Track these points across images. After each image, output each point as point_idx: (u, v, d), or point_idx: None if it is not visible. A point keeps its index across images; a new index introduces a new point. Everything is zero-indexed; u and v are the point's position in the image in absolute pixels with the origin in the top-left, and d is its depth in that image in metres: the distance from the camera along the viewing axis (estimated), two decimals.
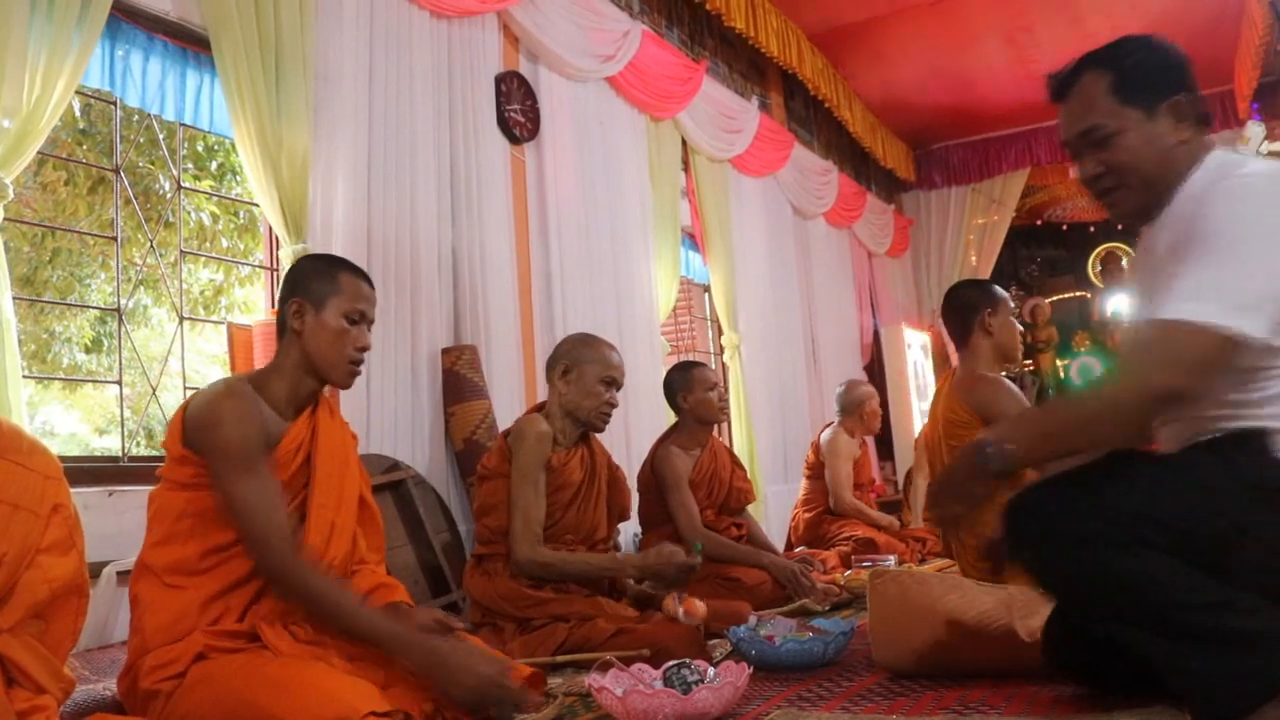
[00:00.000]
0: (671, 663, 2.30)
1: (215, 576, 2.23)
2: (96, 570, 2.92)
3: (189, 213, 6.18)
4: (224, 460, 2.19)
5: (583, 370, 3.32)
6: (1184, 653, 1.70)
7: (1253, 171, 1.86)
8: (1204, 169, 1.95)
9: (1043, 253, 12.69)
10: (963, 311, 3.45)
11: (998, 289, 3.52)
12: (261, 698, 2.01)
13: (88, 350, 9.18)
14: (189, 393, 3.57)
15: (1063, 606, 1.87)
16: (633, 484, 4.41)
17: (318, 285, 2.39)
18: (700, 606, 3.03)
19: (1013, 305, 3.52)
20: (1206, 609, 1.70)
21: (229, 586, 2.24)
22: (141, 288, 8.12)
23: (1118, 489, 1.79)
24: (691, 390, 4.41)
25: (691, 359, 5.77)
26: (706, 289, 7.29)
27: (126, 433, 4.05)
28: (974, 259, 11.06)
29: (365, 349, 2.43)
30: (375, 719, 1.95)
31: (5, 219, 2.88)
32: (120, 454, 3.58)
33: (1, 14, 2.84)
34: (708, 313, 7.57)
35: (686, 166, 6.67)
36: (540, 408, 3.43)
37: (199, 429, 2.22)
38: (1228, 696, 1.67)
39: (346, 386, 2.46)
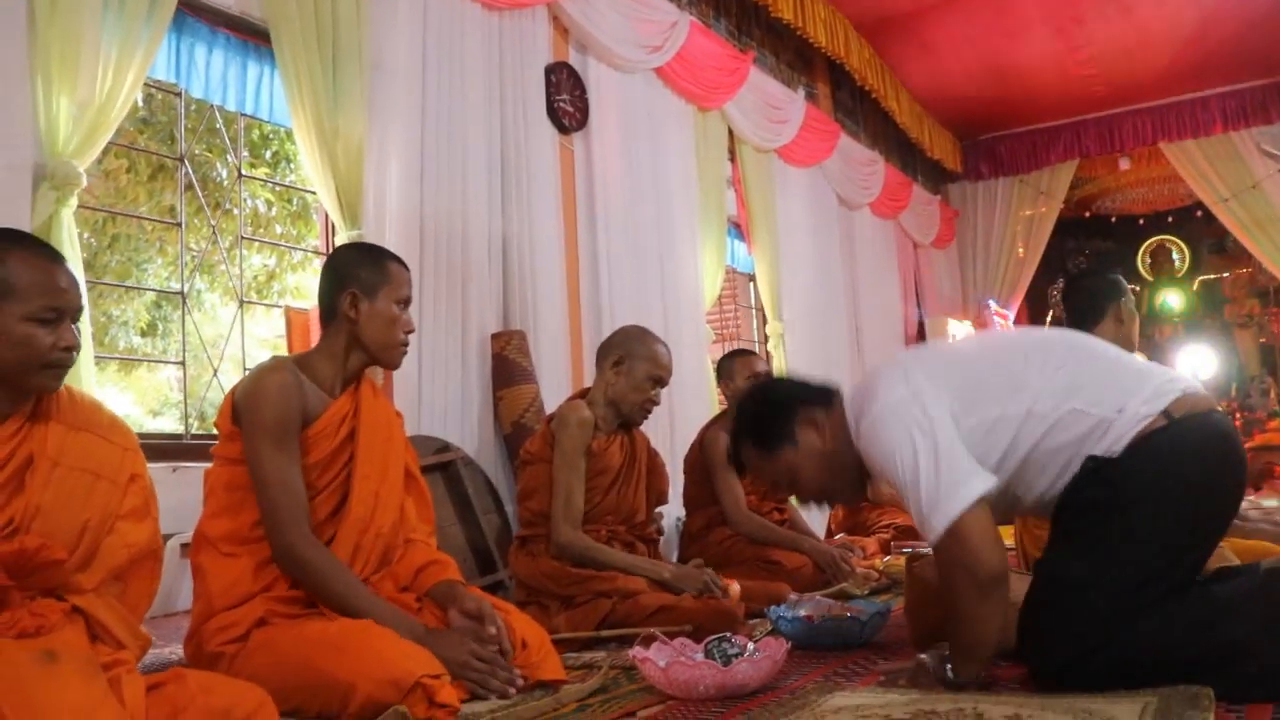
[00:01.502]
0: (713, 637, 2.38)
1: (265, 545, 2.37)
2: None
3: (241, 203, 6.33)
4: (257, 430, 2.34)
5: (633, 365, 3.41)
6: None
7: (873, 409, 2.17)
8: (853, 424, 2.27)
9: (1091, 245, 12.59)
10: (1097, 297, 3.53)
11: (1119, 282, 3.60)
12: (320, 660, 2.13)
13: (143, 334, 9.40)
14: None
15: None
16: (677, 467, 4.51)
17: (368, 275, 2.52)
18: (735, 587, 3.11)
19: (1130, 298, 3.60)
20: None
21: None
22: (197, 273, 8.31)
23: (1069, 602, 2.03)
24: (732, 379, 4.50)
25: (740, 347, 5.83)
26: (751, 278, 7.35)
27: (183, 413, 4.19)
28: (1021, 251, 11.01)
29: (412, 332, 2.57)
30: (429, 680, 2.06)
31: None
32: (183, 432, 3.71)
33: (75, 9, 2.96)
34: (752, 301, 7.63)
35: (732, 156, 6.73)
36: (584, 394, 3.52)
37: (244, 400, 2.38)
38: None
39: (397, 367, 2.61)
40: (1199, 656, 1.91)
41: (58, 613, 1.75)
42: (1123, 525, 2.03)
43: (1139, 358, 2.34)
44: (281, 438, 2.35)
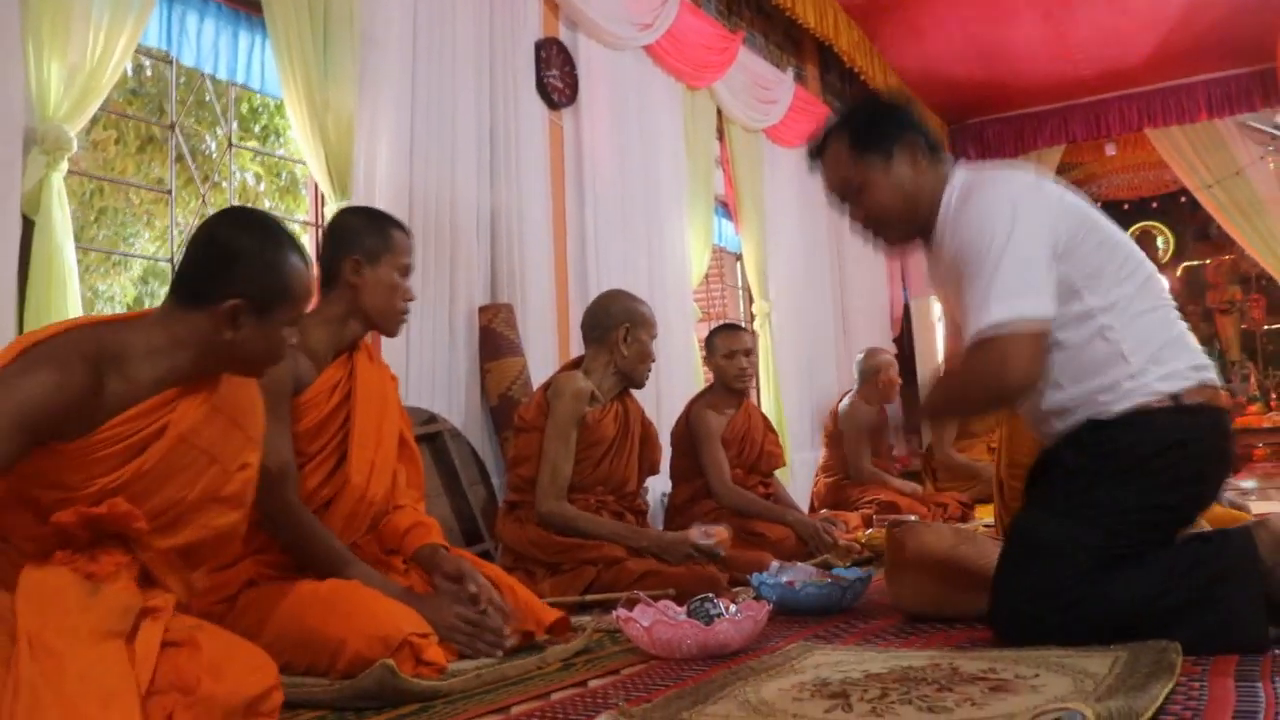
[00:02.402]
0: (696, 598, 2.43)
1: (255, 508, 2.38)
2: None
3: (230, 174, 6.34)
4: None
5: (638, 333, 3.47)
6: None
7: (985, 190, 2.18)
8: (950, 193, 2.26)
9: None
10: None
11: None
12: (310, 617, 2.16)
13: (129, 309, 9.40)
14: None
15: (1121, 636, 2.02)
16: (664, 441, 4.55)
17: (372, 241, 2.53)
18: (725, 531, 3.16)
19: None
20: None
21: None
22: (175, 252, 8.29)
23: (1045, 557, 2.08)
24: (711, 354, 4.55)
25: (726, 323, 5.87)
26: (738, 257, 7.38)
27: None
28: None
29: (412, 300, 2.58)
30: (417, 639, 2.09)
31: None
32: None
33: None
34: (739, 281, 7.66)
35: (721, 136, 6.75)
36: (577, 364, 3.55)
37: None
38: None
39: (396, 334, 2.63)
40: (1164, 610, 1.99)
41: (112, 565, 1.72)
42: (1106, 494, 2.08)
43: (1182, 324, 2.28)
44: (271, 404, 2.37)
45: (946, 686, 1.75)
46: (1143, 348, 2.12)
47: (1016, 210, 2.10)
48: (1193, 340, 2.24)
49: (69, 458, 1.67)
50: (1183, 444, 2.09)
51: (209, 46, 3.72)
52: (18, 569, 1.65)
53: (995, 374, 2.06)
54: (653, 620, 2.32)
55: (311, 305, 2.58)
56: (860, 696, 1.73)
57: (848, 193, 2.37)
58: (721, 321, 5.21)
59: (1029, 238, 2.07)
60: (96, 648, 1.57)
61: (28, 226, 2.91)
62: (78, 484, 1.69)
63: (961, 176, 2.28)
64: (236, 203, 7.20)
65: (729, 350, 4.50)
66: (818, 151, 2.42)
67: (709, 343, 4.61)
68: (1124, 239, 2.25)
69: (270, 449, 2.33)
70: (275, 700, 1.78)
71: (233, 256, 1.80)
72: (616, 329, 3.49)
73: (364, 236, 2.54)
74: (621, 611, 2.39)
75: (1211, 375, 2.18)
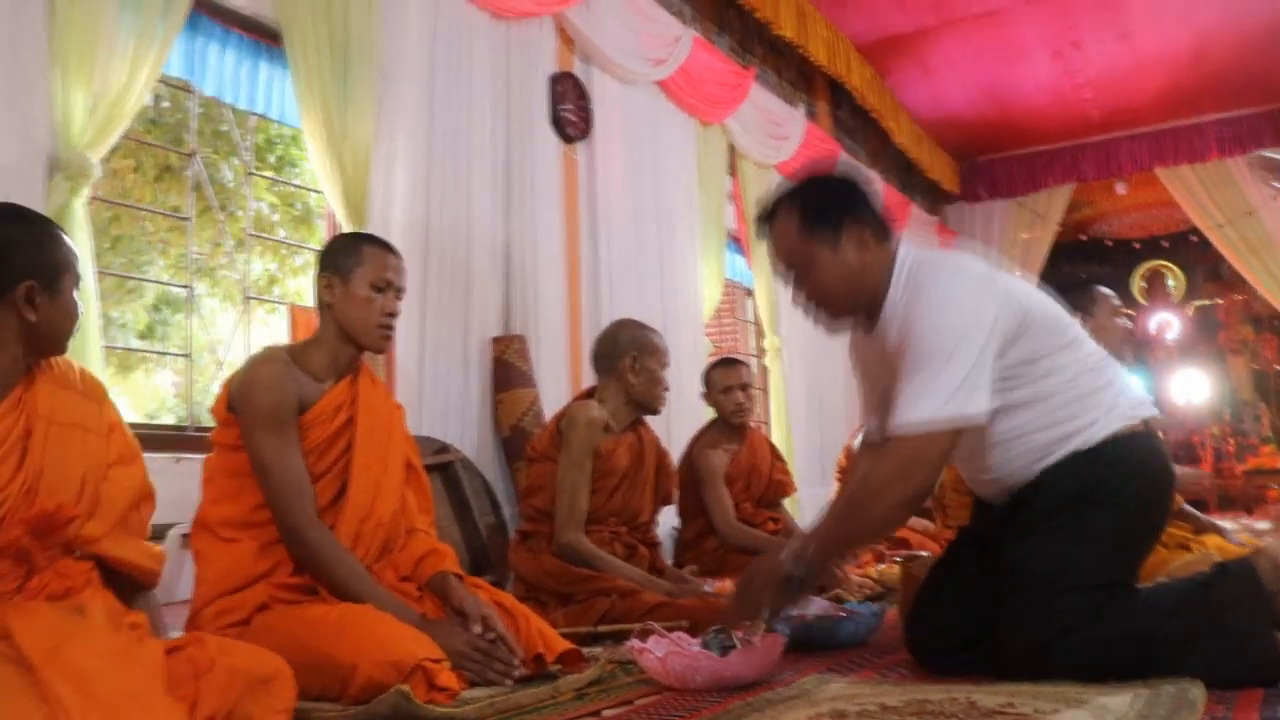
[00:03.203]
0: (711, 629, 2.41)
1: (266, 529, 2.40)
2: (162, 532, 3.08)
3: (247, 203, 6.39)
4: (253, 420, 2.37)
5: (646, 361, 3.47)
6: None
7: (939, 282, 2.17)
8: (897, 278, 2.24)
9: (1087, 269, 12.66)
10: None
11: (1096, 290, 3.62)
12: (322, 642, 2.15)
13: (141, 336, 9.44)
14: None
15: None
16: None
17: (343, 259, 2.54)
18: (728, 585, 3.15)
19: (1107, 303, 3.60)
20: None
21: (280, 538, 2.40)
22: (199, 276, 8.34)
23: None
24: (710, 390, 4.54)
25: (726, 356, 5.87)
26: (750, 292, 7.40)
27: (183, 408, 4.22)
28: (1017, 274, 11.03)
29: (393, 315, 2.55)
30: (430, 664, 2.09)
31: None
32: (186, 424, 3.75)
33: (94, 4, 3.02)
34: (750, 315, 7.68)
35: (733, 171, 6.79)
36: (590, 394, 3.56)
37: (238, 392, 2.41)
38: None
39: (380, 350, 2.63)
40: (1172, 637, 2.01)
41: (81, 573, 1.83)
42: (1097, 518, 2.13)
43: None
44: (278, 425, 2.38)
45: None
46: (1108, 385, 2.25)
47: (968, 308, 2.12)
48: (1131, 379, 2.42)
49: None
50: (1163, 459, 2.26)
51: (229, 76, 3.77)
52: None
53: (919, 459, 2.10)
54: (666, 651, 2.31)
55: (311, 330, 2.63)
56: None
57: (792, 267, 2.34)
58: (719, 356, 5.21)
59: (978, 337, 2.09)
60: (113, 657, 1.62)
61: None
62: None
63: (911, 257, 2.27)
64: (252, 231, 7.25)
65: (725, 385, 4.47)
66: (767, 219, 2.38)
67: (706, 378, 4.58)
68: (1061, 311, 2.32)
69: (280, 467, 2.35)
70: (290, 682, 1.80)
71: (8, 248, 1.87)
72: (623, 358, 3.49)
73: (337, 255, 2.56)
74: (635, 642, 2.38)
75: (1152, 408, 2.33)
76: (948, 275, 2.18)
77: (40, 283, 1.86)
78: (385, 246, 2.58)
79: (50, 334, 1.90)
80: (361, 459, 2.48)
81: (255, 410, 2.37)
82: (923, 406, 2.07)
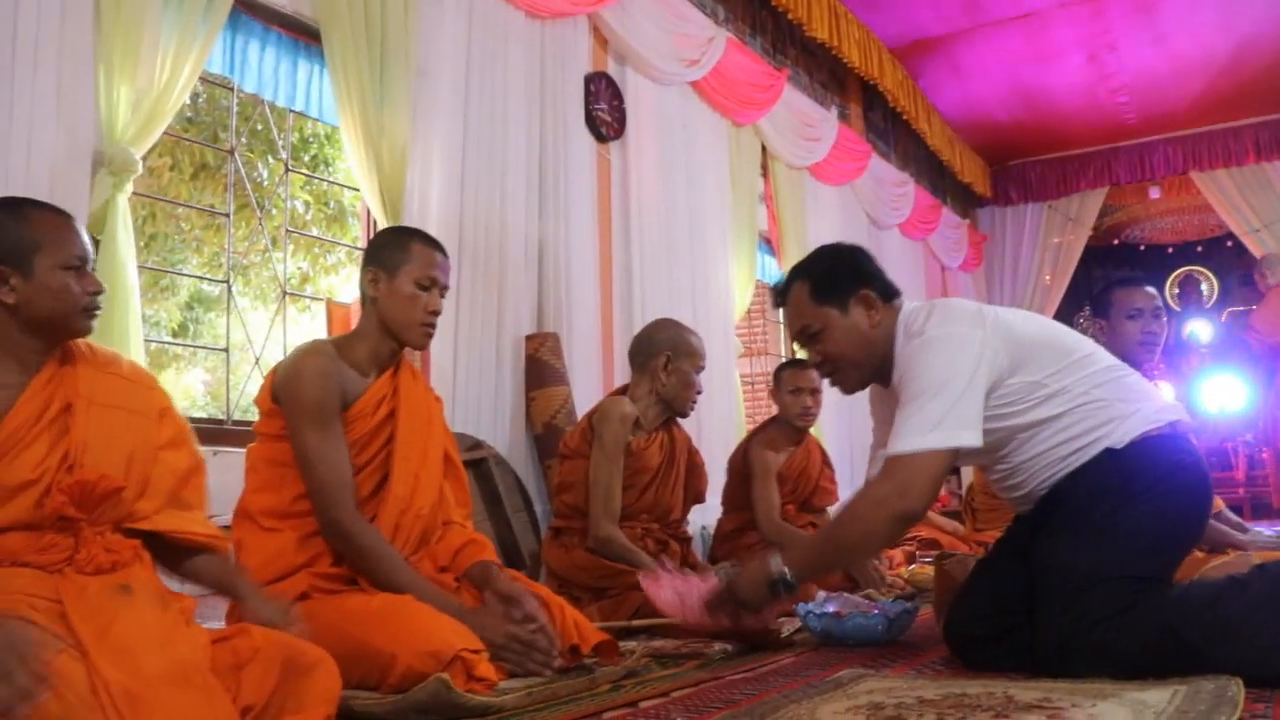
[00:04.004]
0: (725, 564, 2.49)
1: (309, 519, 2.41)
2: None
3: (283, 200, 6.44)
4: (298, 412, 2.39)
5: (680, 362, 3.47)
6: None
7: (930, 324, 2.32)
8: (900, 329, 2.42)
9: (1118, 273, 12.57)
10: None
11: (1112, 293, 3.63)
12: (362, 631, 2.17)
13: (174, 334, 9.53)
14: None
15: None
16: (711, 470, 4.55)
17: (390, 254, 2.55)
18: None
19: (1129, 312, 3.59)
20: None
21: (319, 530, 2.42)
22: (232, 273, 8.42)
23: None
24: (778, 388, 4.54)
25: (796, 359, 5.86)
26: None
27: (214, 405, 4.26)
28: (1048, 278, 11.01)
29: (436, 312, 2.55)
30: (469, 654, 2.10)
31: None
32: (224, 417, 3.79)
33: (138, 2, 3.06)
34: (781, 316, 7.66)
35: (765, 172, 6.80)
36: (623, 390, 3.57)
37: (283, 383, 2.43)
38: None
39: (421, 347, 2.62)
40: (1200, 633, 2.01)
41: (129, 549, 1.87)
42: (1129, 513, 2.17)
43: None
44: (323, 419, 2.40)
45: (1002, 714, 1.74)
46: (1129, 393, 2.32)
47: (954, 347, 2.25)
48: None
49: None
50: (1193, 457, 2.29)
51: (269, 74, 3.80)
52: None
53: (906, 484, 2.20)
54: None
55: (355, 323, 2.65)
56: None
57: (808, 335, 2.52)
58: (762, 360, 5.21)
59: (965, 371, 2.22)
60: (160, 640, 1.67)
61: (93, 246, 2.97)
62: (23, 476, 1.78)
63: (909, 309, 2.45)
64: (289, 228, 7.31)
65: (795, 386, 4.46)
66: (781, 295, 2.60)
67: (777, 376, 4.61)
68: (1066, 334, 2.43)
69: (321, 460, 2.37)
70: (333, 672, 1.82)
71: None
72: (657, 356, 3.50)
73: (384, 250, 2.56)
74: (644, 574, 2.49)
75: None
76: (938, 317, 2.34)
77: (10, 264, 1.84)
78: (433, 244, 2.59)
79: (37, 315, 1.86)
80: (402, 452, 2.50)
81: (301, 403, 2.39)
82: (913, 433, 2.20)
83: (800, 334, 2.54)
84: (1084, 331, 3.53)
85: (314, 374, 2.41)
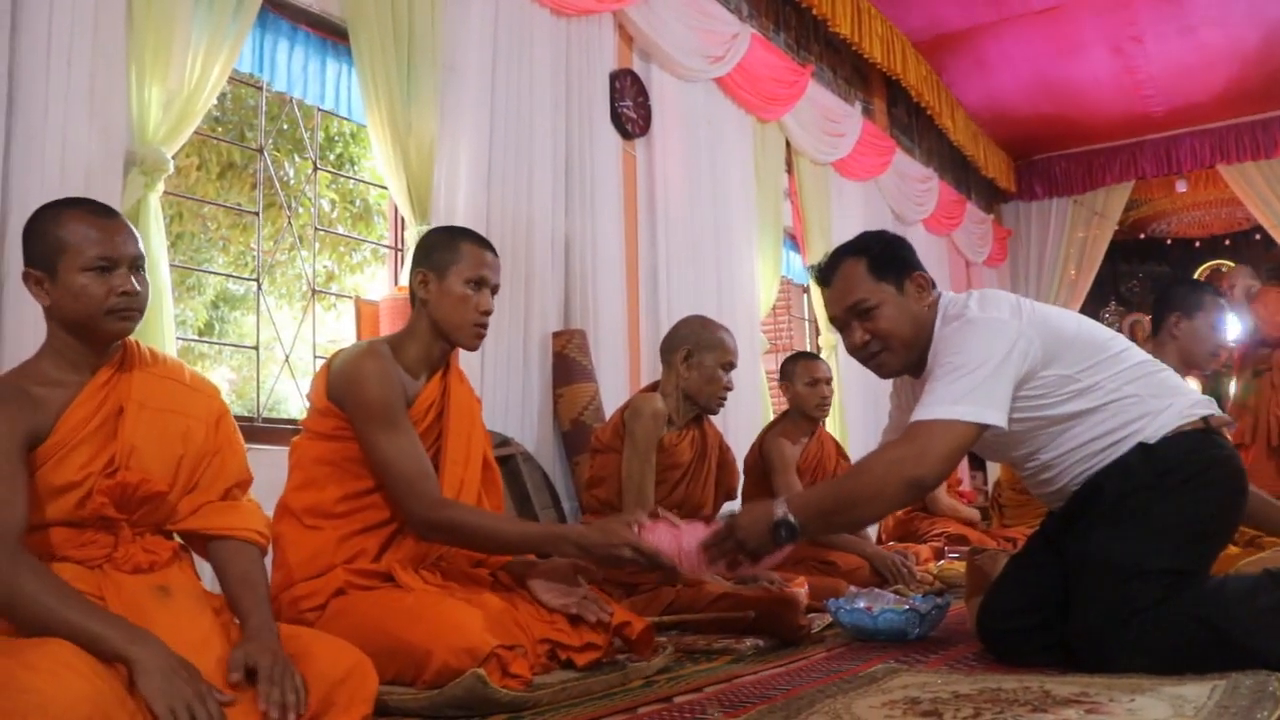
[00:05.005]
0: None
1: (351, 520, 2.40)
2: None
3: (309, 198, 6.49)
4: (368, 416, 2.36)
5: (703, 356, 3.45)
6: None
7: (968, 309, 2.35)
8: (937, 319, 2.43)
9: (1145, 268, 12.47)
10: (1157, 307, 3.65)
11: (1206, 295, 3.61)
12: (398, 627, 2.17)
13: (200, 333, 9.60)
14: (318, 362, 3.79)
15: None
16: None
17: (440, 255, 2.53)
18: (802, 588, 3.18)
19: (1214, 313, 3.58)
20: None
21: (363, 529, 2.41)
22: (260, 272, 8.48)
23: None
24: (793, 382, 4.53)
25: (804, 351, 5.86)
26: (806, 289, 7.38)
27: (239, 404, 4.29)
28: (1073, 272, 10.93)
29: (488, 312, 2.53)
30: (503, 651, 2.11)
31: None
32: (254, 415, 3.81)
33: (169, 3, 3.08)
34: (805, 313, 7.66)
35: (790, 168, 6.79)
36: (654, 387, 3.57)
37: (343, 385, 2.40)
38: None
39: (473, 348, 2.59)
40: (1236, 626, 2.02)
41: (167, 550, 1.89)
42: (1164, 507, 2.19)
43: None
44: (392, 419, 2.37)
45: (1040, 708, 1.74)
46: (1162, 389, 2.33)
47: (989, 332, 2.27)
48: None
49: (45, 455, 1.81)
50: (1227, 452, 2.30)
51: (298, 73, 3.83)
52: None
53: (924, 451, 2.18)
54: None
55: (384, 332, 2.63)
56: (953, 715, 1.72)
57: (854, 311, 2.47)
58: (798, 350, 5.20)
59: (997, 353, 2.22)
60: (195, 643, 1.69)
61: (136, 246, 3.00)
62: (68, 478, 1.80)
63: (946, 299, 2.47)
64: (309, 230, 7.37)
65: (812, 378, 4.46)
66: (829, 272, 2.55)
67: (787, 370, 4.58)
68: (1101, 331, 2.44)
69: (400, 455, 2.36)
70: (369, 674, 1.82)
71: (24, 240, 1.92)
72: (678, 350, 3.48)
73: (433, 251, 2.55)
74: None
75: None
76: (978, 302, 2.37)
77: (41, 269, 1.87)
78: (483, 243, 2.57)
79: (67, 317, 1.88)
80: (451, 455, 2.49)
81: (368, 406, 2.36)
82: (940, 402, 2.20)
83: (850, 309, 2.48)
84: (1111, 325, 3.54)
85: (379, 376, 2.38)
